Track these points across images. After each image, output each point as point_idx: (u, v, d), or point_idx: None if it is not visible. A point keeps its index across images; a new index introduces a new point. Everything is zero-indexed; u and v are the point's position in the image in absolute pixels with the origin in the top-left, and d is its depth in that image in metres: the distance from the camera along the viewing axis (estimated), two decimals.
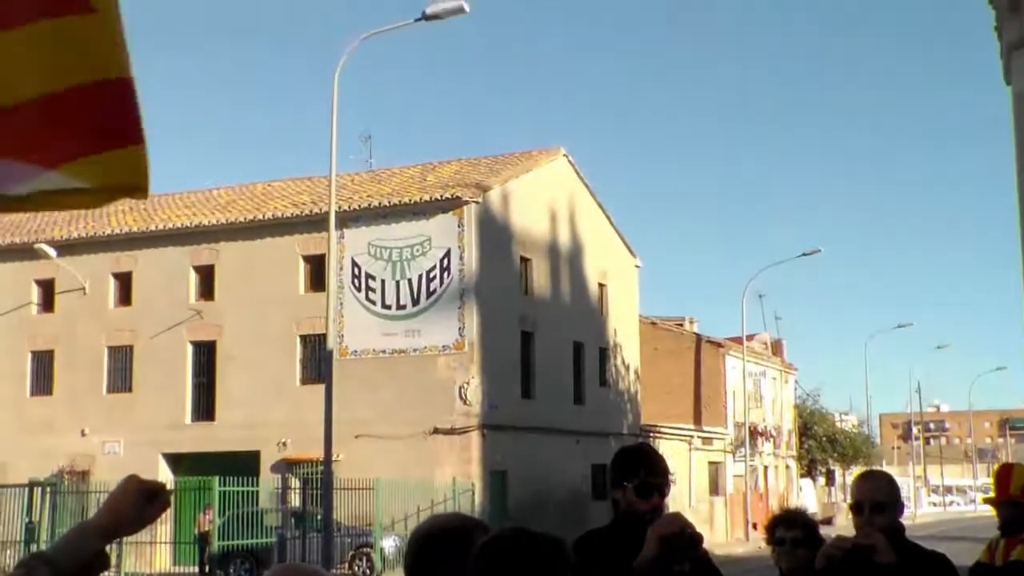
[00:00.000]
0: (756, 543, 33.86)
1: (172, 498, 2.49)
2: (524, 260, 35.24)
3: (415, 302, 32.39)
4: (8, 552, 24.42)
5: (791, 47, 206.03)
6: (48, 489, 26.01)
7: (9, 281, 36.52)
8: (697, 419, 48.49)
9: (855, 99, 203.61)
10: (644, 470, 4.13)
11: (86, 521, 2.27)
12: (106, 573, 2.35)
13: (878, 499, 4.44)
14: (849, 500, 4.60)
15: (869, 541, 4.24)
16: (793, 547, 4.80)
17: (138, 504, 2.25)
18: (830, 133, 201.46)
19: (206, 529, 26.53)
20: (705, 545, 4.00)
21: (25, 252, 35.50)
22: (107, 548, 2.24)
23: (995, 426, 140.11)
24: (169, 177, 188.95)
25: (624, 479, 4.12)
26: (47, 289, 36.50)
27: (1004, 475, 6.50)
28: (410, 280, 32.53)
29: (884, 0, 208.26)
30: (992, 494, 6.51)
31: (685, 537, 3.83)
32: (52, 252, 34.49)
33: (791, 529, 4.88)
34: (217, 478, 25.64)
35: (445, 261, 32.24)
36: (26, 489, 25.95)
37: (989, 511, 6.70)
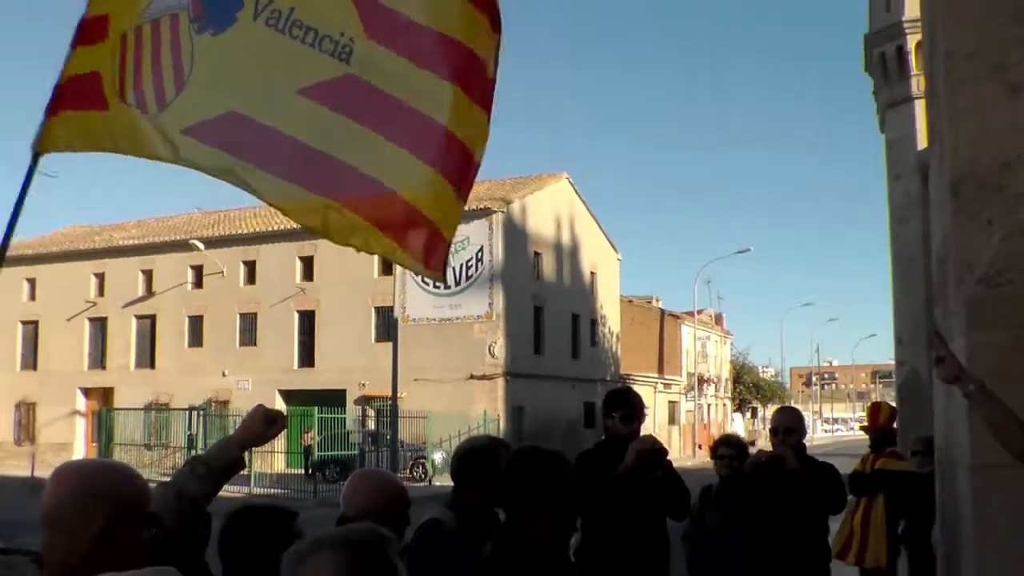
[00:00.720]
0: (701, 459, 33.79)
1: (286, 422, 2.50)
2: (536, 254, 35.14)
3: (457, 284, 32.35)
4: (177, 455, 25.07)
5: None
6: (201, 413, 26.41)
7: (172, 267, 36.76)
8: (660, 370, 48.35)
9: (771, 134, 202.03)
10: (627, 404, 4.16)
11: (228, 436, 2.32)
12: (242, 472, 2.40)
13: (789, 425, 4.51)
14: (769, 427, 4.65)
15: (782, 453, 4.38)
16: (730, 460, 4.84)
17: (263, 425, 2.30)
18: (761, 154, 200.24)
19: (309, 444, 26.65)
20: (668, 459, 4.03)
21: (183, 246, 35.70)
22: (243, 455, 2.28)
23: (869, 376, 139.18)
24: None
25: (613, 411, 4.14)
26: (198, 272, 36.65)
27: (874, 411, 6.58)
28: (454, 268, 32.41)
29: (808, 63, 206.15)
30: (866, 424, 6.56)
31: (655, 451, 3.85)
32: (201, 246, 34.67)
33: (729, 448, 4.93)
34: (316, 408, 25.75)
35: (479, 254, 32.20)
36: (187, 412, 26.57)
37: (863, 436, 6.75)
